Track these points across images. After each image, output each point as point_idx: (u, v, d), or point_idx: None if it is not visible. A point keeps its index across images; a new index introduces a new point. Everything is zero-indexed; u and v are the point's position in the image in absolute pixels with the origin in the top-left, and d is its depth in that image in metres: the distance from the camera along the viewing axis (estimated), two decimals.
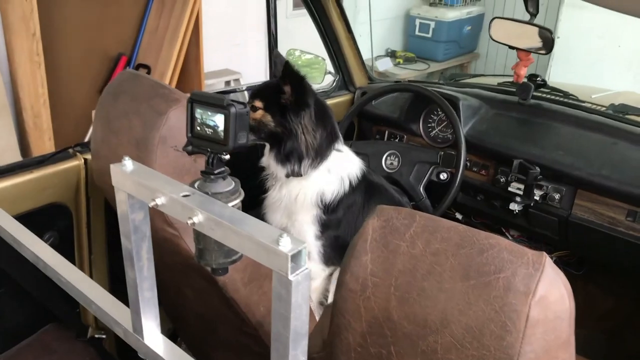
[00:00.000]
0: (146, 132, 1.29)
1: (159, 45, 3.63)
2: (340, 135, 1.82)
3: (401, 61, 6.10)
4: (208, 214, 0.72)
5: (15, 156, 2.97)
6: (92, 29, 3.38)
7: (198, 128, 0.87)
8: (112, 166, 0.81)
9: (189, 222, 0.73)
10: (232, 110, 0.82)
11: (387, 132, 2.43)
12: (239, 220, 0.70)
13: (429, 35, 6.02)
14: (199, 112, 0.86)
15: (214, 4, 4.02)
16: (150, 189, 0.77)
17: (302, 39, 2.57)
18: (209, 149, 0.86)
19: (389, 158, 2.19)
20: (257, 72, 4.61)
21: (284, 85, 1.64)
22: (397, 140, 2.39)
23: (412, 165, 2.12)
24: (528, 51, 2.02)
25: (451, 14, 5.94)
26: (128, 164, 0.81)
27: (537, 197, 2.01)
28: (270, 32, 2.42)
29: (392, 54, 6.20)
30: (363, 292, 0.83)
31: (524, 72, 2.04)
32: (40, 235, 1.27)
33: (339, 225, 1.78)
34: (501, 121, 2.18)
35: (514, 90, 2.25)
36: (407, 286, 0.79)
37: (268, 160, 1.76)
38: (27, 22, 2.86)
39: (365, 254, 0.84)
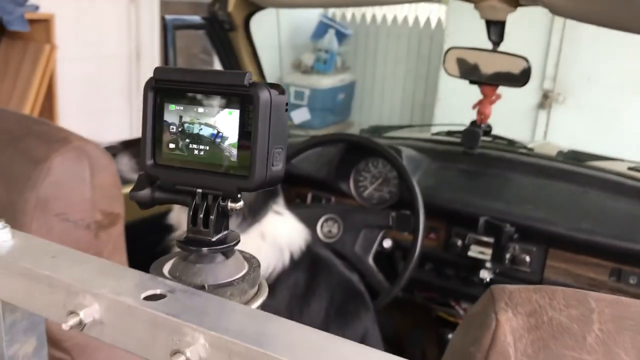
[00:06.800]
0: (12, 194, 0.78)
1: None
2: (281, 193, 1.40)
3: None
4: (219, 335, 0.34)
5: None
6: None
7: (171, 145, 0.40)
8: None
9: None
10: (263, 96, 0.37)
11: (309, 195, 1.99)
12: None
13: (305, 103, 5.80)
14: (176, 110, 0.39)
15: (73, 64, 3.44)
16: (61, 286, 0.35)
17: None
18: (199, 189, 0.40)
19: (326, 224, 1.74)
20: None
21: None
22: (323, 203, 1.96)
23: (357, 232, 1.69)
24: (497, 85, 1.68)
25: (325, 82, 5.78)
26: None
27: (505, 261, 1.68)
28: None
29: None
30: None
31: (490, 111, 1.71)
32: None
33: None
34: (449, 175, 1.86)
35: (454, 140, 1.97)
36: None
37: (179, 216, 1.31)
38: None
39: None
